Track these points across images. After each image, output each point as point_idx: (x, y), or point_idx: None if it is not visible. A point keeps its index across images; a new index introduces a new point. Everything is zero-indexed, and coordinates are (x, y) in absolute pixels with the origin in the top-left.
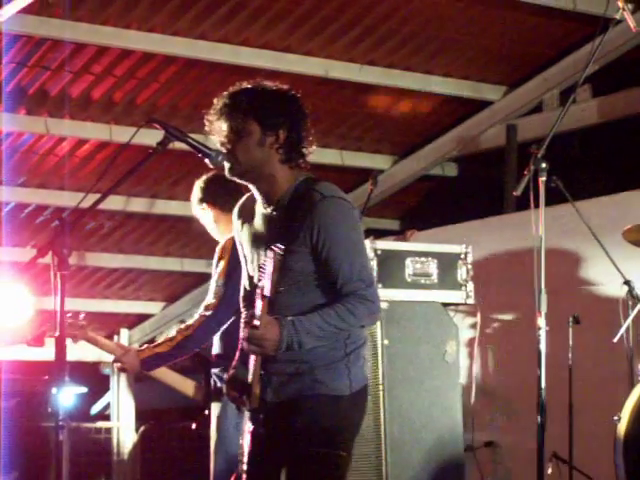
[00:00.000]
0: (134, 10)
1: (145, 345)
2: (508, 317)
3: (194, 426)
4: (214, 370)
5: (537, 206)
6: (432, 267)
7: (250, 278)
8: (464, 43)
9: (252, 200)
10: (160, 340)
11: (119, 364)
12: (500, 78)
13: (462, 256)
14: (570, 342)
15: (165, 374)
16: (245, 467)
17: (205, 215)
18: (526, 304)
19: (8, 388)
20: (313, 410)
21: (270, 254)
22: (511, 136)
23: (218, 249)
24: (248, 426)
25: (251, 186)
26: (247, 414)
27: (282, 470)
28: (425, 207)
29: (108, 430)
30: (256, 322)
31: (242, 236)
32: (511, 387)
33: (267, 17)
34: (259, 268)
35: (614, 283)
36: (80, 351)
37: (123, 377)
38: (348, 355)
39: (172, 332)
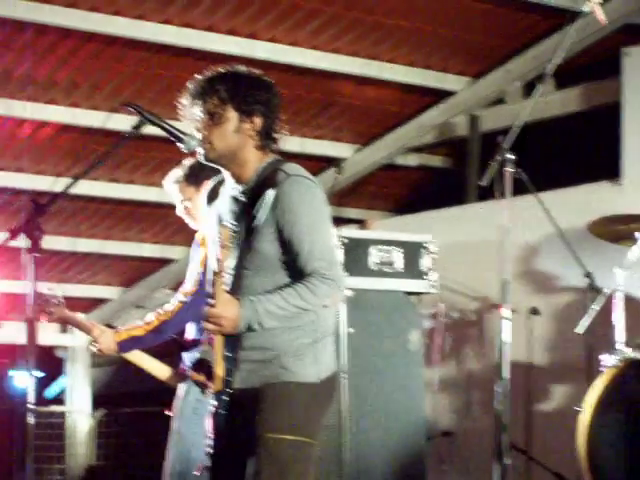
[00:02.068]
0: None
1: (122, 327)
2: (469, 307)
3: (167, 412)
4: (184, 354)
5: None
6: (396, 256)
7: (219, 260)
8: (428, 33)
9: (220, 183)
10: (137, 324)
11: (96, 345)
12: (463, 69)
13: (426, 246)
14: (529, 333)
15: (141, 358)
16: (210, 449)
17: (197, 193)
18: (487, 294)
19: None
20: (281, 397)
21: (221, 231)
22: (474, 126)
23: (198, 235)
24: (213, 408)
25: (223, 169)
26: (212, 397)
27: (247, 455)
28: (387, 196)
29: (62, 414)
30: (212, 301)
31: (212, 219)
32: (470, 377)
33: (233, 3)
34: (246, 244)
35: (575, 275)
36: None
37: (79, 362)
38: (316, 342)
39: (149, 316)
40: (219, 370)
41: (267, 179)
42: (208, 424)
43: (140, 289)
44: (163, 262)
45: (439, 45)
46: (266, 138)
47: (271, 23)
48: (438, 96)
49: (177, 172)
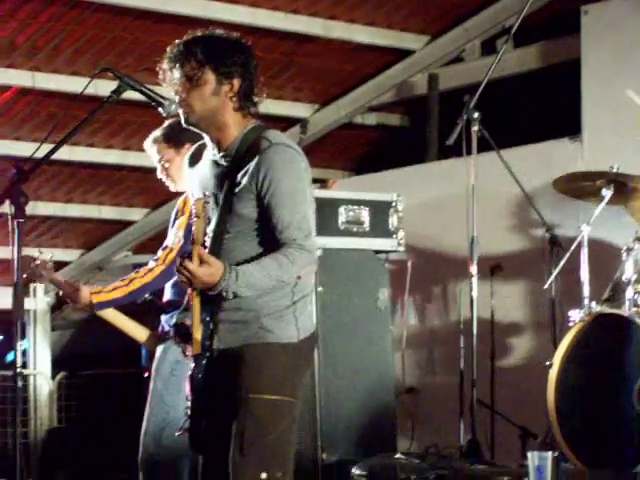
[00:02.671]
0: None
1: (100, 288)
2: (432, 264)
3: (147, 374)
4: (163, 316)
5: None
6: (364, 215)
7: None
8: None
9: (202, 147)
10: (115, 284)
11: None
12: (422, 28)
13: (393, 204)
14: (491, 289)
15: (116, 318)
16: (189, 412)
17: (179, 156)
18: (450, 252)
19: None
20: (261, 358)
21: (194, 203)
22: (433, 85)
23: (180, 201)
24: (191, 371)
25: (203, 133)
26: (191, 360)
27: (228, 416)
28: (345, 155)
29: (25, 377)
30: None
31: (192, 183)
32: (434, 333)
33: None
34: (226, 209)
35: (537, 231)
36: None
37: (39, 325)
38: (295, 303)
39: (127, 277)
40: (197, 334)
41: (251, 146)
42: (187, 386)
43: (100, 251)
44: (123, 224)
45: (398, 5)
46: (245, 100)
47: None
48: (397, 55)
49: (157, 132)
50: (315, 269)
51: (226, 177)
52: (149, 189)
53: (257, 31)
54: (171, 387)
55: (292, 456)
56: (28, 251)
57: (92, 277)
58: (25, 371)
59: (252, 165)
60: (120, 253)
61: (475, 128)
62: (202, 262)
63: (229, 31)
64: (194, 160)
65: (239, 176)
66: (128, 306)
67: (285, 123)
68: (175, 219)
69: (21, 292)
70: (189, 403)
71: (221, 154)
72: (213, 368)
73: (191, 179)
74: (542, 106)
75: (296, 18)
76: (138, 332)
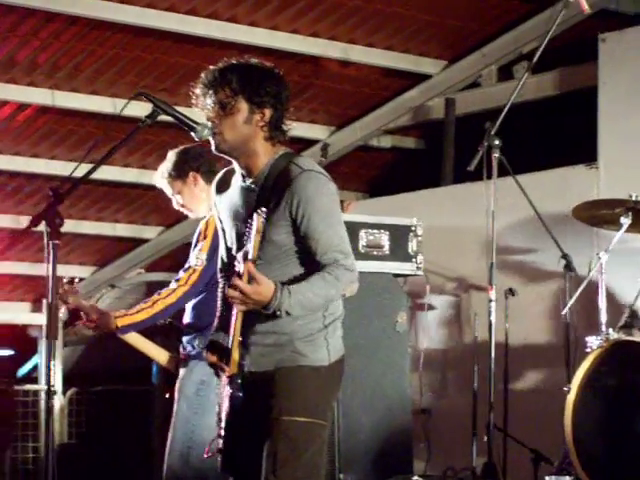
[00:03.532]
0: None
1: (122, 311)
2: (447, 287)
3: (168, 395)
4: (184, 338)
5: (480, 179)
6: (384, 239)
7: (228, 250)
8: (407, 18)
9: (230, 173)
10: (139, 307)
11: (93, 325)
12: (440, 53)
13: (413, 229)
14: (505, 313)
15: (137, 340)
16: (222, 432)
17: (186, 186)
18: (465, 275)
19: None
20: (294, 381)
21: (255, 217)
22: (449, 110)
23: (202, 223)
24: (227, 390)
25: (233, 160)
26: (225, 379)
27: (261, 438)
28: (360, 177)
29: (35, 393)
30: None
31: (220, 209)
32: (449, 356)
33: None
34: (244, 234)
35: (551, 257)
36: (8, 314)
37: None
38: (327, 327)
39: (150, 299)
40: (235, 354)
41: (281, 173)
42: (222, 407)
43: (113, 269)
44: (137, 242)
45: (417, 29)
46: (275, 129)
47: (251, 8)
48: (414, 79)
49: (163, 168)
50: (357, 287)
51: (257, 204)
52: (164, 208)
53: (275, 53)
54: (196, 407)
55: (322, 478)
56: (43, 267)
57: (104, 294)
58: (36, 386)
59: (284, 192)
60: (133, 270)
61: (496, 155)
62: (252, 280)
63: (246, 53)
64: (222, 186)
65: (271, 203)
66: (147, 327)
67: (301, 144)
68: (197, 241)
69: (56, 313)
70: (222, 424)
71: (250, 181)
72: (246, 390)
73: (219, 205)
74: (559, 132)
75: (315, 41)
76: (159, 354)
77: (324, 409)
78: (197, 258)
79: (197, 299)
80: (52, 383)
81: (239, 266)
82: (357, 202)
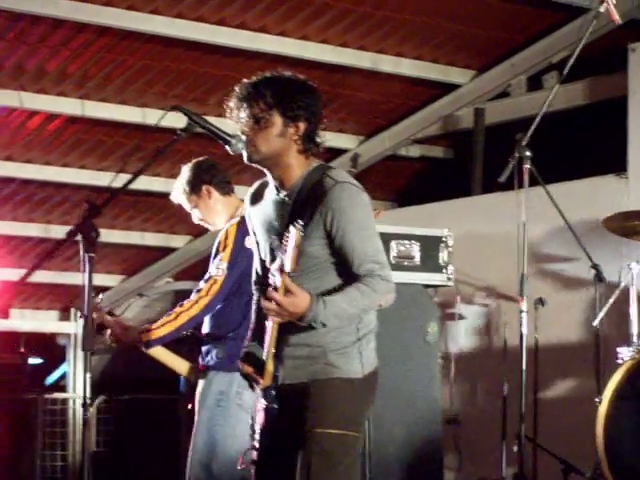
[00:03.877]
0: None
1: (148, 326)
2: (476, 297)
3: (190, 406)
4: (203, 348)
5: (510, 188)
6: (415, 250)
7: (262, 262)
8: (435, 28)
9: (263, 186)
10: (162, 320)
11: (117, 339)
12: (469, 62)
13: (444, 239)
14: (535, 323)
15: (156, 352)
16: (257, 443)
17: (201, 200)
18: (494, 285)
19: None
20: (328, 393)
21: (292, 230)
22: (479, 119)
23: (221, 234)
24: (261, 402)
25: (266, 172)
26: (259, 391)
27: (295, 450)
28: (388, 186)
29: (64, 401)
30: (274, 294)
31: (254, 221)
32: (478, 365)
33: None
34: (278, 246)
35: (581, 267)
36: (37, 322)
37: (80, 349)
38: (360, 339)
39: (173, 311)
40: (270, 365)
41: (315, 185)
42: (255, 418)
43: (141, 277)
44: (165, 251)
45: (446, 39)
46: (309, 142)
47: (281, 18)
48: (444, 89)
49: (177, 184)
50: (394, 298)
51: (291, 216)
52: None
53: (305, 63)
54: (218, 418)
55: None
56: (72, 276)
57: (132, 303)
58: (65, 395)
59: (318, 204)
60: (161, 279)
61: (527, 166)
62: (288, 292)
63: (276, 63)
64: (256, 198)
65: (305, 215)
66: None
67: (330, 154)
68: (217, 251)
69: (92, 325)
70: (256, 435)
71: (284, 193)
72: (279, 402)
73: (253, 217)
74: (588, 142)
75: (345, 51)
76: (179, 364)
77: (358, 421)
78: (218, 268)
79: (216, 309)
80: (88, 395)
81: (275, 278)
82: (387, 212)
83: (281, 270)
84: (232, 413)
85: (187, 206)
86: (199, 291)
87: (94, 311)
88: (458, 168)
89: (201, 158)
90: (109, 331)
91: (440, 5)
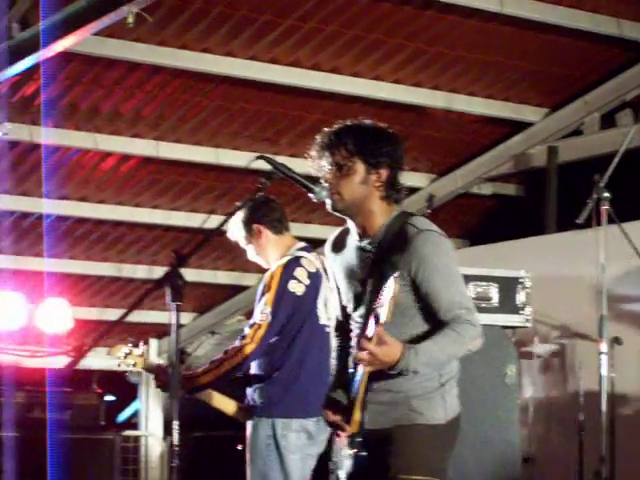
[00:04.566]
0: (189, 31)
1: (191, 372)
2: (552, 336)
3: (240, 447)
4: (249, 389)
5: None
6: (493, 291)
7: (343, 309)
8: (507, 66)
9: (345, 233)
10: (206, 367)
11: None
12: (541, 100)
13: (521, 280)
14: (611, 362)
15: (206, 394)
16: None
17: (253, 238)
18: (571, 323)
19: (58, 400)
20: (411, 439)
21: (390, 281)
22: (552, 157)
23: (267, 276)
24: (345, 450)
25: (349, 219)
26: (344, 439)
27: None
28: (459, 224)
29: (136, 439)
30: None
31: (336, 268)
32: (553, 405)
33: (319, 39)
34: (361, 294)
35: None
36: (108, 360)
37: (152, 386)
38: (443, 385)
39: (217, 358)
40: (357, 413)
41: (398, 233)
42: (341, 465)
43: (213, 315)
44: (237, 289)
45: (518, 77)
46: (391, 189)
47: (354, 58)
48: (516, 127)
49: (231, 223)
50: (482, 342)
51: (375, 264)
52: None
53: (378, 103)
54: (271, 462)
55: None
56: (141, 314)
57: (204, 341)
58: (137, 432)
59: (402, 253)
60: (233, 317)
61: (605, 207)
62: (381, 342)
63: (349, 103)
64: (338, 245)
65: (389, 263)
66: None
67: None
68: (262, 295)
69: (177, 372)
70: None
71: (367, 241)
72: (365, 447)
73: (335, 264)
74: None
75: (418, 91)
76: (225, 404)
77: (441, 467)
78: (262, 313)
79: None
80: (176, 443)
81: (369, 328)
82: (459, 249)
83: (376, 320)
84: (279, 456)
85: (242, 243)
86: (244, 337)
87: (136, 358)
88: (530, 206)
89: (256, 195)
90: (154, 378)
91: (512, 44)
